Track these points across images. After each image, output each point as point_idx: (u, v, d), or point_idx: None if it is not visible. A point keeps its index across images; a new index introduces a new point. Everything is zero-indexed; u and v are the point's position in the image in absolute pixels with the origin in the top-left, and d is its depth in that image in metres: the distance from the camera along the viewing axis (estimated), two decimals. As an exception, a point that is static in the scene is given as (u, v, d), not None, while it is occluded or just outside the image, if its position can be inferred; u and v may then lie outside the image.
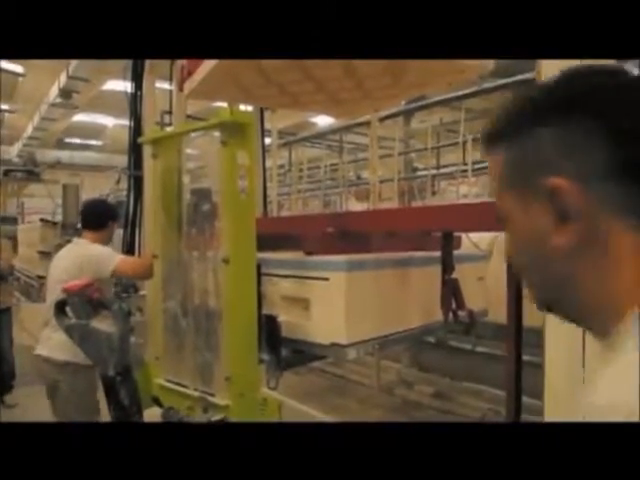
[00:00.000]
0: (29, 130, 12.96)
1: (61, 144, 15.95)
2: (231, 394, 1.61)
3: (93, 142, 16.71)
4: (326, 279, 1.72)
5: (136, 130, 3.01)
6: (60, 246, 4.24)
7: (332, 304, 1.71)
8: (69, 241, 3.23)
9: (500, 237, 3.36)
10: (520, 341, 1.61)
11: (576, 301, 0.57)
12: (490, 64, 1.87)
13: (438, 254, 1.87)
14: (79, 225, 7.34)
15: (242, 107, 2.82)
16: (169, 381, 1.83)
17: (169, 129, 2.80)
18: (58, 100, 9.53)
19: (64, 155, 14.56)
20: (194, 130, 1.87)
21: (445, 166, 6.85)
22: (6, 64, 8.78)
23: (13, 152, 14.02)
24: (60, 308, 1.96)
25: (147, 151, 2.30)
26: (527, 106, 0.59)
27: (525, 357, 1.61)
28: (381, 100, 2.46)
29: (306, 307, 1.79)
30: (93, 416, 2.48)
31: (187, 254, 1.85)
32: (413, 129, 6.95)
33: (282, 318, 1.79)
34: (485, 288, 2.38)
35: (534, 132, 0.56)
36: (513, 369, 1.59)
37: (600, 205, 0.52)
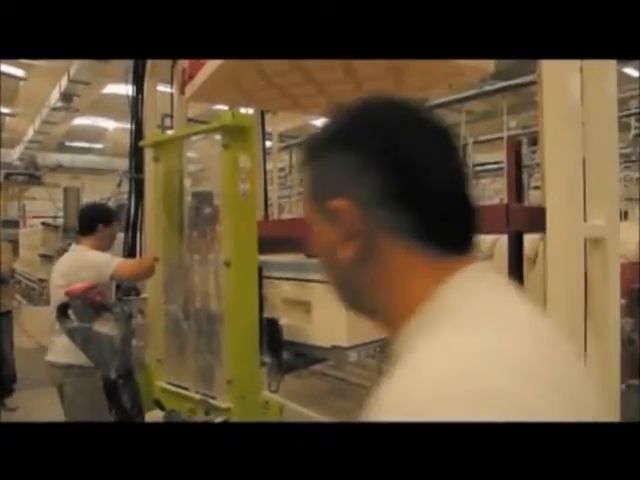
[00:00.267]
0: (30, 133, 12.97)
1: (62, 147, 15.97)
2: (232, 397, 1.61)
3: (94, 145, 16.73)
4: (327, 282, 1.72)
5: (137, 133, 3.01)
6: (62, 250, 4.24)
7: (333, 307, 1.71)
8: (70, 245, 3.24)
9: (501, 239, 3.36)
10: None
11: (368, 305, 0.67)
12: (491, 67, 1.88)
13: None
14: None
15: (243, 110, 2.83)
16: (171, 384, 1.83)
17: (170, 132, 2.81)
18: (59, 103, 9.54)
19: (65, 158, 14.59)
20: (195, 133, 1.88)
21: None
22: (7, 68, 8.80)
23: (14, 155, 14.04)
24: (62, 311, 1.96)
25: (148, 154, 2.31)
26: (325, 133, 0.67)
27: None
28: (382, 103, 2.46)
29: (307, 310, 1.79)
30: (101, 418, 2.48)
31: (188, 257, 1.86)
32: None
33: (283, 321, 1.79)
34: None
35: (328, 157, 0.64)
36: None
37: (377, 226, 0.60)
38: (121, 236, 3.17)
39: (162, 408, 1.83)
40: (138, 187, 3.02)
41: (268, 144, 4.38)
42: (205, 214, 1.79)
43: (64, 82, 8.62)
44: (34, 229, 11.37)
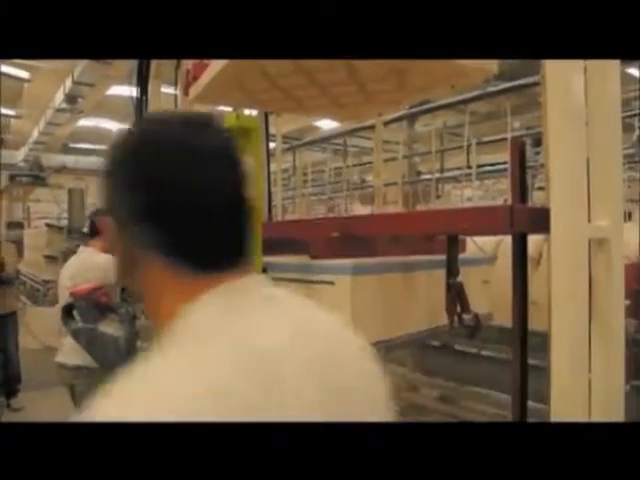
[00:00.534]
0: (35, 135, 13.01)
1: (66, 149, 16.01)
2: (237, 398, 1.61)
3: (98, 147, 16.77)
4: (331, 283, 1.72)
5: (141, 135, 3.02)
6: (67, 250, 4.25)
7: (337, 308, 1.71)
8: (77, 245, 3.25)
9: (505, 241, 3.36)
10: (525, 345, 1.61)
11: (146, 305, 0.70)
12: (494, 67, 1.88)
13: (443, 258, 1.87)
14: (84, 229, 7.38)
15: (246, 111, 2.83)
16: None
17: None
18: (63, 105, 9.57)
19: (69, 160, 14.62)
20: (200, 135, 1.88)
21: (449, 169, 6.85)
22: (12, 69, 8.83)
23: (19, 157, 14.08)
24: (67, 312, 1.97)
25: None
26: (109, 154, 0.71)
27: (530, 361, 1.61)
28: (385, 104, 2.47)
29: (311, 311, 1.79)
30: None
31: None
32: (417, 132, 6.95)
33: (287, 322, 1.80)
34: (490, 292, 2.38)
35: (106, 178, 0.69)
36: (518, 373, 1.59)
37: (133, 243, 0.64)
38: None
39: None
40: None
41: (272, 145, 4.38)
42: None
43: (68, 84, 8.65)
44: (38, 230, 11.41)
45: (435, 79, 2.00)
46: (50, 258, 8.39)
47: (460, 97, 4.89)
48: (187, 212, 0.62)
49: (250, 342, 0.59)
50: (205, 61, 2.08)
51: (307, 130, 11.29)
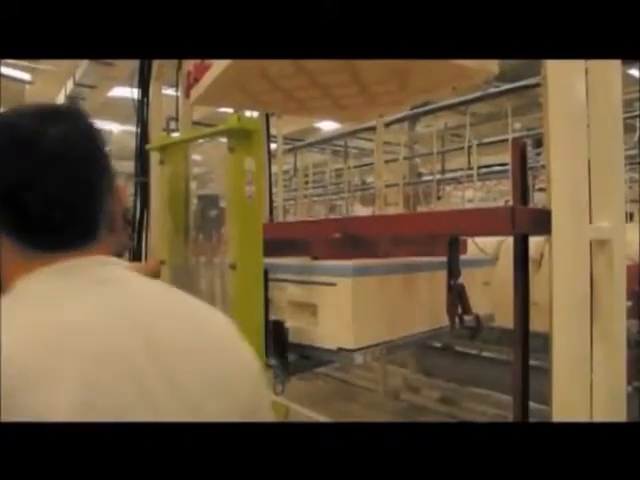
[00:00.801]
0: (36, 137, 13.01)
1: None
2: (238, 399, 1.61)
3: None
4: (333, 284, 1.72)
5: (143, 136, 3.03)
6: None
7: (339, 309, 1.71)
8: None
9: (506, 242, 3.35)
10: (527, 346, 1.61)
11: None
12: (495, 68, 1.88)
13: (444, 259, 1.87)
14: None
15: (248, 113, 2.84)
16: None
17: (176, 135, 2.82)
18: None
19: (70, 161, 14.60)
20: (201, 137, 1.89)
21: (450, 171, 6.84)
22: (13, 71, 8.84)
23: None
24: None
25: (154, 157, 2.32)
26: None
27: (532, 362, 1.61)
28: (386, 105, 2.47)
29: (313, 312, 1.79)
30: None
31: (194, 260, 1.86)
32: (418, 134, 6.95)
33: (289, 323, 1.80)
34: (491, 293, 2.38)
35: None
36: (520, 374, 1.58)
37: None
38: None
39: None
40: (143, 190, 3.03)
41: (273, 147, 4.39)
42: (211, 217, 1.80)
43: (70, 85, 8.66)
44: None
45: (436, 80, 2.00)
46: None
47: (461, 98, 4.89)
48: (16, 194, 0.64)
49: (49, 317, 0.61)
50: (206, 63, 2.08)
51: (308, 131, 11.30)
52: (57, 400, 0.56)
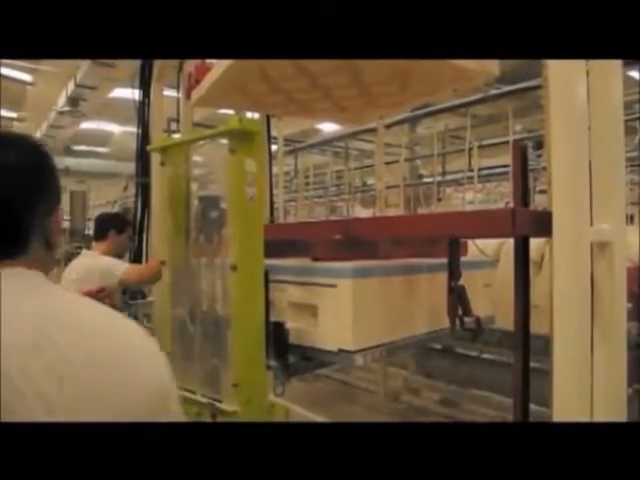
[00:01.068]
0: (37, 138, 13.03)
1: (69, 151, 16.03)
2: (239, 400, 1.61)
3: (100, 149, 16.79)
4: (333, 286, 1.72)
5: (144, 137, 3.03)
6: (69, 253, 4.24)
7: (339, 310, 1.71)
8: (78, 247, 3.25)
9: (507, 243, 3.35)
10: (527, 348, 1.60)
11: None
12: (496, 70, 1.88)
13: (445, 261, 1.87)
14: (87, 232, 7.36)
15: (248, 114, 2.84)
16: (177, 387, 1.83)
17: (177, 137, 2.82)
18: (66, 108, 9.58)
19: (71, 162, 14.63)
20: (202, 138, 1.89)
21: (451, 172, 6.84)
22: (14, 72, 8.85)
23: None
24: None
25: (155, 158, 2.32)
26: None
27: (532, 364, 1.61)
28: (387, 107, 2.47)
29: (314, 314, 1.79)
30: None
31: (195, 261, 1.86)
32: (419, 135, 6.96)
33: (290, 325, 1.80)
34: (492, 295, 2.38)
35: None
36: (520, 376, 1.58)
37: None
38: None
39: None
40: (144, 191, 3.04)
41: (274, 148, 4.39)
42: (212, 218, 1.80)
43: (71, 86, 8.67)
44: (40, 233, 11.38)
45: (437, 82, 2.00)
46: (52, 260, 8.38)
47: (462, 100, 4.89)
48: None
49: None
50: (207, 64, 2.09)
51: (309, 133, 11.30)
52: None
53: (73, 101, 9.17)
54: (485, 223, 1.59)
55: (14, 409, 0.62)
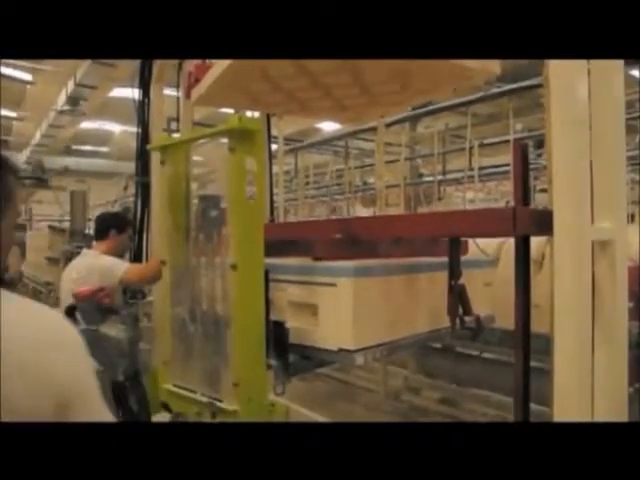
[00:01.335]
0: (37, 137, 13.03)
1: (69, 151, 16.03)
2: (239, 399, 1.61)
3: (100, 149, 16.79)
4: (334, 285, 1.72)
5: (144, 136, 3.03)
6: (69, 253, 4.23)
7: (340, 310, 1.71)
8: (79, 247, 3.25)
9: (508, 242, 3.35)
10: (528, 347, 1.60)
11: None
12: (497, 69, 1.87)
13: (445, 260, 1.87)
14: (87, 231, 7.35)
15: (248, 113, 2.84)
16: (177, 386, 1.83)
17: (177, 136, 2.82)
18: (66, 107, 9.58)
19: (71, 162, 14.63)
20: (202, 137, 1.88)
21: (451, 171, 6.84)
22: (14, 72, 8.85)
23: (21, 159, 14.10)
24: (70, 314, 1.97)
25: (155, 158, 2.32)
26: None
27: (533, 363, 1.61)
28: (388, 106, 2.47)
29: (314, 313, 1.79)
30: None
31: (195, 260, 1.86)
32: (419, 135, 6.96)
33: (290, 324, 1.79)
34: (492, 294, 2.37)
35: None
36: (521, 375, 1.58)
37: None
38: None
39: (169, 411, 1.84)
40: (144, 190, 3.03)
41: (274, 147, 4.39)
42: (212, 217, 1.80)
43: (71, 86, 8.67)
44: (41, 232, 11.41)
45: (437, 81, 2.00)
46: (52, 260, 8.39)
47: (462, 99, 4.89)
48: None
49: None
50: (207, 63, 2.08)
51: (309, 132, 11.30)
52: None
53: (73, 100, 9.17)
54: (486, 222, 1.59)
55: None
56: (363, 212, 8.04)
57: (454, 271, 1.84)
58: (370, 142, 7.42)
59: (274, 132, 4.18)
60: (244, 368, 1.63)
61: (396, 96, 2.19)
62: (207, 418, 1.65)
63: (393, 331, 1.85)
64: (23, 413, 0.65)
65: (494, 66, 1.85)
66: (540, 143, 5.74)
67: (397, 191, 5.86)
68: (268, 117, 3.46)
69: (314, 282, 1.79)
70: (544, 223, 1.37)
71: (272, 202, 3.66)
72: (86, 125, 13.98)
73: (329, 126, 11.54)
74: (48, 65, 8.68)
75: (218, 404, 1.65)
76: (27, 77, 9.59)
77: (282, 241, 2.07)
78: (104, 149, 16.79)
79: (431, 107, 5.27)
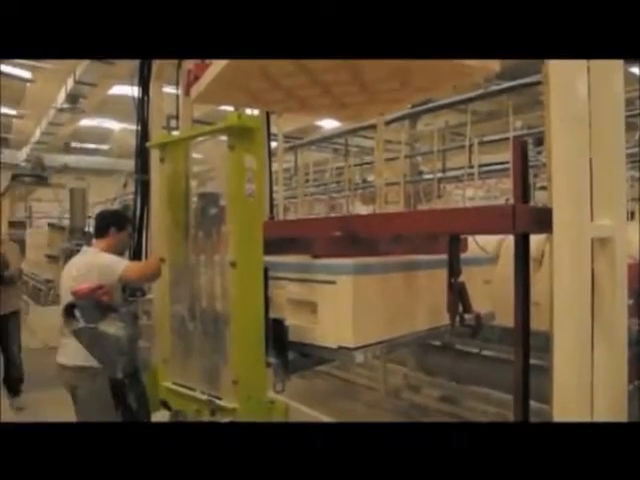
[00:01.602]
0: (37, 135, 13.03)
1: (68, 148, 16.03)
2: (238, 397, 1.61)
3: (100, 146, 16.79)
4: (333, 282, 1.72)
5: (143, 134, 3.02)
6: (68, 250, 4.24)
7: (339, 307, 1.71)
8: (78, 244, 3.24)
9: (507, 240, 3.35)
10: (528, 345, 1.60)
11: None
12: (497, 66, 1.87)
13: (444, 257, 1.86)
14: (86, 229, 7.34)
15: (248, 111, 2.83)
16: (177, 384, 1.83)
17: (176, 133, 2.82)
18: (65, 105, 9.58)
19: (71, 159, 14.63)
20: (202, 134, 1.88)
21: (451, 169, 6.84)
22: (14, 70, 8.84)
23: (21, 157, 14.10)
24: (69, 311, 1.96)
25: (154, 155, 2.32)
26: None
27: (533, 361, 1.61)
28: (388, 104, 2.46)
29: (313, 310, 1.79)
30: (115, 420, 2.47)
31: (194, 258, 1.86)
32: (419, 132, 6.95)
33: (289, 321, 1.79)
34: (492, 291, 2.37)
35: None
36: (520, 373, 1.58)
37: None
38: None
39: (169, 408, 1.84)
40: (144, 188, 3.03)
41: (273, 145, 4.39)
42: (211, 215, 1.79)
43: (70, 84, 8.66)
44: (40, 230, 11.43)
45: (437, 78, 2.00)
46: (51, 258, 8.40)
47: (462, 96, 4.88)
48: None
49: None
50: (207, 61, 2.08)
51: (309, 130, 11.29)
52: None
53: (72, 98, 9.17)
54: (485, 220, 1.59)
55: None
56: (363, 210, 8.03)
57: (454, 269, 1.84)
58: (370, 140, 7.42)
59: (274, 130, 4.18)
60: (243, 366, 1.63)
61: (396, 93, 2.19)
62: (206, 416, 1.65)
63: (393, 328, 1.85)
64: None
65: (494, 64, 1.84)
66: (540, 140, 5.74)
67: (397, 189, 5.86)
68: (268, 115, 3.45)
69: (313, 280, 1.79)
70: (544, 221, 1.37)
71: (272, 200, 3.65)
72: (86, 123, 13.98)
73: (329, 124, 11.54)
74: (48, 63, 8.67)
75: (217, 402, 1.65)
76: (27, 75, 9.59)
77: (281, 239, 2.07)
78: (104, 147, 16.79)
79: (431, 105, 5.26)
